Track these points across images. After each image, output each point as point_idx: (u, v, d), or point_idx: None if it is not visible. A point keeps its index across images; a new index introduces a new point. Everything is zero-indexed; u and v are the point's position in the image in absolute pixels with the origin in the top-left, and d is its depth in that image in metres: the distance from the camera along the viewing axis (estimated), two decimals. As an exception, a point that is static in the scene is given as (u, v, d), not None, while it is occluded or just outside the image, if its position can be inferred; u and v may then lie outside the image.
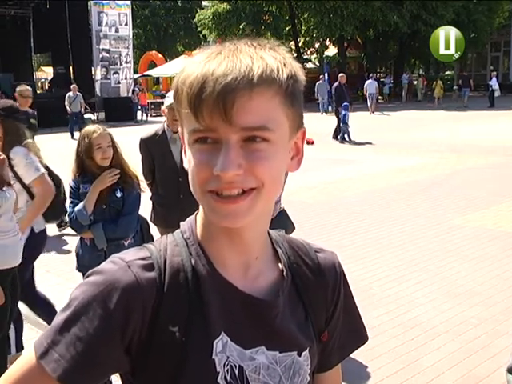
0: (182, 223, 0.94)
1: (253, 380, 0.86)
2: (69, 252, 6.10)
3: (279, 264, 0.93)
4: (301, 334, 0.91)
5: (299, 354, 0.90)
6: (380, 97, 28.89)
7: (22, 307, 4.64)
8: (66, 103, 18.74)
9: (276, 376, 0.88)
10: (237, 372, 0.85)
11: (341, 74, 16.08)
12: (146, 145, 4.07)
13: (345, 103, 15.22)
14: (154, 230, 3.87)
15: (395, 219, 7.13)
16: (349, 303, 1.01)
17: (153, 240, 3.56)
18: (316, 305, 0.94)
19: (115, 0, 25.02)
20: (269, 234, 0.95)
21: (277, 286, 0.90)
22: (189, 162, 0.83)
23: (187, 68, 0.81)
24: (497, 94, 25.29)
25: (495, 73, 27.47)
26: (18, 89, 7.50)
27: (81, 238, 3.31)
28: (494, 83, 25.27)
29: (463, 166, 11.08)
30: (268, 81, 0.78)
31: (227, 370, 0.84)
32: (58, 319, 0.82)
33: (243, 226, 0.83)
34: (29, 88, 7.53)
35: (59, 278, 5.40)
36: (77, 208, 3.16)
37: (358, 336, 1.03)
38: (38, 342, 0.82)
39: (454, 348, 3.76)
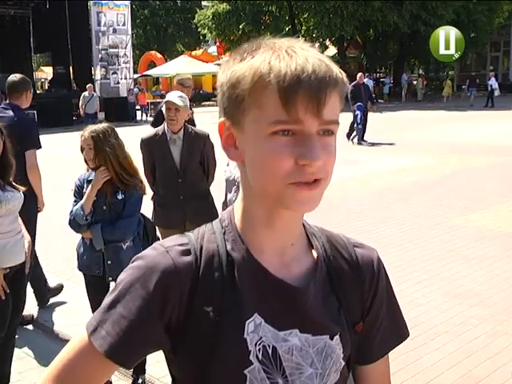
0: (221, 212, 1.02)
1: (286, 360, 0.90)
2: (69, 252, 6.09)
3: (313, 255, 0.97)
4: (332, 321, 0.94)
5: (331, 338, 0.94)
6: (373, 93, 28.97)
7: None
8: (81, 103, 17.29)
9: (308, 358, 0.92)
10: (270, 352, 0.89)
11: (359, 74, 15.59)
12: (147, 145, 4.07)
13: (358, 103, 14.54)
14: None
15: (395, 219, 7.13)
16: (390, 300, 1.04)
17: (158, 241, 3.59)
18: (350, 298, 0.97)
19: (114, 0, 25.02)
20: (304, 225, 0.99)
21: (309, 274, 0.94)
22: (258, 153, 0.84)
23: (260, 62, 0.83)
24: (496, 93, 25.37)
25: (493, 73, 27.52)
26: (178, 78, 6.31)
27: (82, 237, 3.32)
28: (493, 83, 25.35)
29: (463, 166, 11.08)
30: (339, 80, 0.86)
31: (259, 349, 0.89)
32: (107, 300, 0.90)
33: (288, 214, 0.90)
34: (190, 77, 6.39)
35: (59, 278, 5.40)
36: (75, 207, 3.19)
37: (399, 332, 1.06)
38: (89, 321, 0.91)
39: (454, 348, 3.76)
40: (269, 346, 0.89)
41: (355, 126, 14.84)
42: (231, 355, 0.87)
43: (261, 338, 0.89)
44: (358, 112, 14.55)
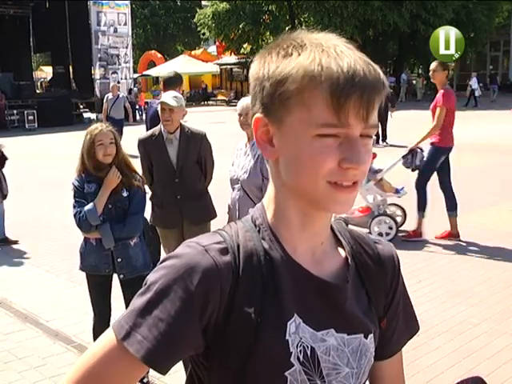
0: (251, 210, 0.96)
1: (324, 361, 0.89)
2: (68, 252, 6.11)
3: (342, 251, 0.97)
4: (366, 319, 0.94)
5: (365, 337, 0.94)
6: None
7: (23, 306, 4.64)
8: (104, 107, 13.80)
9: (344, 357, 0.91)
10: (309, 353, 0.87)
11: None
12: (144, 145, 4.07)
13: None
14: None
15: (395, 219, 7.12)
16: (405, 294, 1.06)
17: (154, 240, 3.57)
18: (377, 292, 0.98)
19: (114, 0, 25.03)
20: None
21: (343, 271, 0.94)
22: (300, 152, 0.83)
23: (311, 61, 0.81)
24: (477, 93, 25.75)
25: (475, 73, 27.72)
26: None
27: (85, 238, 3.28)
28: (473, 83, 25.66)
29: (462, 165, 11.05)
30: (384, 84, 0.85)
31: (300, 351, 0.87)
32: (138, 302, 0.84)
33: (321, 216, 0.90)
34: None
35: (58, 277, 5.40)
36: (86, 208, 3.13)
37: (413, 325, 1.07)
38: (117, 324, 0.85)
39: (454, 347, 3.76)
40: (307, 347, 0.87)
41: None
42: (272, 357, 0.85)
43: (301, 338, 0.87)
44: None
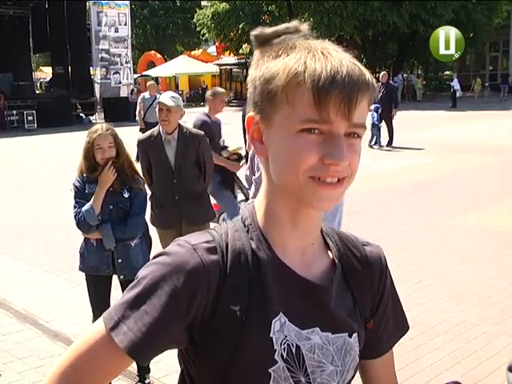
0: (241, 210, 0.99)
1: (309, 359, 0.91)
2: (68, 252, 6.10)
3: (329, 253, 0.99)
4: (350, 319, 0.97)
5: (350, 336, 0.96)
6: None
7: (23, 307, 4.65)
8: (139, 109, 11.31)
9: (329, 356, 0.93)
10: (294, 351, 0.90)
11: (383, 73, 14.64)
12: (143, 146, 4.09)
13: (375, 105, 12.89)
14: (153, 231, 3.88)
15: (395, 219, 7.13)
16: (394, 294, 1.07)
17: (151, 241, 3.58)
18: (363, 294, 1.00)
19: (114, 0, 25.05)
20: None
21: (329, 273, 0.96)
22: (285, 148, 0.86)
23: (296, 60, 0.85)
24: (458, 94, 25.96)
25: (455, 74, 27.88)
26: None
27: (85, 239, 3.28)
28: (455, 84, 25.96)
29: (463, 165, 11.09)
30: (371, 84, 0.87)
31: (284, 349, 0.89)
32: (128, 295, 0.88)
33: (311, 214, 0.92)
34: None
35: (58, 278, 5.40)
36: (84, 208, 3.13)
37: (402, 325, 1.10)
38: (107, 315, 0.88)
39: (453, 348, 3.76)
40: (292, 345, 0.90)
41: (370, 128, 13.54)
42: (257, 354, 0.88)
43: (285, 336, 0.89)
44: (373, 114, 13.41)
